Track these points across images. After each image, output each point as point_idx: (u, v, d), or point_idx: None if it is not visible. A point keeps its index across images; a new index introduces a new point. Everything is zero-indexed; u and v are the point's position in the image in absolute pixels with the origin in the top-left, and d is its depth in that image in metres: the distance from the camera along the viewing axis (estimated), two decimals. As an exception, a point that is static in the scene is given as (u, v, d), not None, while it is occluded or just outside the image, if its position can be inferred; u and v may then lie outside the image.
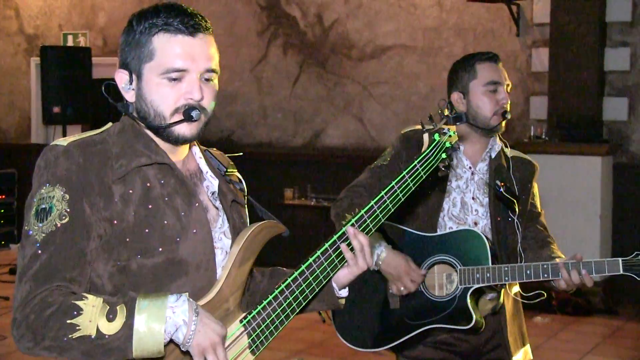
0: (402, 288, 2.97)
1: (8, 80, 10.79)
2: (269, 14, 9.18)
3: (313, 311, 2.27)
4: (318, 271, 2.09)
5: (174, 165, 1.99)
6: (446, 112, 2.34)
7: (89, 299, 1.79)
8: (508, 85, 3.08)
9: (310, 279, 2.08)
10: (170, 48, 1.91)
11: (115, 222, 1.88)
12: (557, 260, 2.87)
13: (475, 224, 3.06)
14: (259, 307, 2.03)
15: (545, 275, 2.84)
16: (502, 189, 2.99)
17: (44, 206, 1.86)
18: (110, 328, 1.76)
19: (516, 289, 3.14)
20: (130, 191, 1.91)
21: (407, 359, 3.11)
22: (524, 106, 7.96)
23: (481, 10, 8.12)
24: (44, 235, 1.84)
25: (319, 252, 2.09)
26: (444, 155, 2.27)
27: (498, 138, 3.14)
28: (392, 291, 3.01)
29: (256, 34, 9.24)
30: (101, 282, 1.91)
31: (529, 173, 3.15)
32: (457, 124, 2.37)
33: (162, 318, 1.78)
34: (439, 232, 3.04)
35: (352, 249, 2.12)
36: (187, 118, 1.92)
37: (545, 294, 3.04)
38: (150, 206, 1.92)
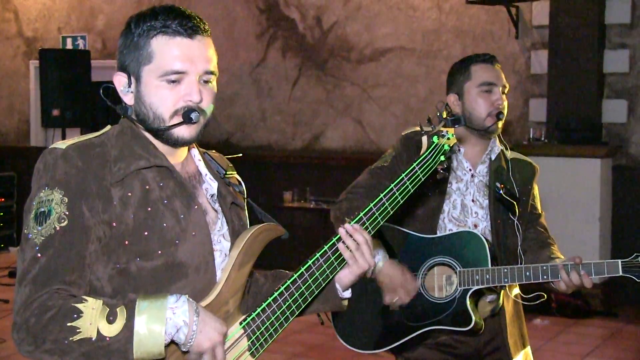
0: (395, 299, 2.96)
1: (7, 83, 10.79)
2: (268, 17, 9.19)
3: (316, 312, 2.27)
4: (317, 274, 2.09)
5: (173, 168, 1.99)
6: (444, 115, 2.35)
7: (89, 301, 1.79)
8: (504, 86, 3.07)
9: (310, 281, 2.08)
10: (168, 50, 1.91)
11: (115, 224, 1.88)
12: (557, 261, 2.87)
13: (475, 226, 3.06)
14: (258, 310, 2.04)
15: (545, 277, 2.84)
16: (502, 191, 2.99)
17: (43, 209, 1.86)
18: (111, 330, 1.76)
19: (516, 291, 3.14)
20: (129, 194, 1.91)
21: (407, 361, 3.11)
22: (523, 108, 7.96)
23: (480, 12, 8.12)
24: (43, 238, 1.85)
25: (317, 255, 2.10)
26: (442, 158, 2.28)
27: (498, 140, 3.14)
28: (385, 300, 3.00)
29: (255, 37, 9.25)
30: (100, 284, 1.91)
31: (529, 175, 3.16)
32: (455, 126, 2.37)
33: (162, 319, 1.78)
34: (438, 234, 3.04)
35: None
36: (187, 120, 1.92)
37: (545, 296, 3.04)
38: (149, 209, 1.92)
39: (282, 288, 2.06)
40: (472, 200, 3.09)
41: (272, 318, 2.04)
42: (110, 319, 1.77)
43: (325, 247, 2.10)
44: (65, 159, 1.89)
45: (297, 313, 2.09)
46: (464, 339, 3.05)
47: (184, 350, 1.85)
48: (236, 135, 9.38)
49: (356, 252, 2.12)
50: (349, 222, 2.13)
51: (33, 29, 10.58)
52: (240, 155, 2.31)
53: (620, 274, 2.79)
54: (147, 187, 1.94)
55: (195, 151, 2.12)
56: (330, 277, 2.12)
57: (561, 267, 2.81)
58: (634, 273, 2.77)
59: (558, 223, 6.41)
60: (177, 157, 2.03)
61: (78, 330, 1.76)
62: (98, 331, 1.76)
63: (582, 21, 7.38)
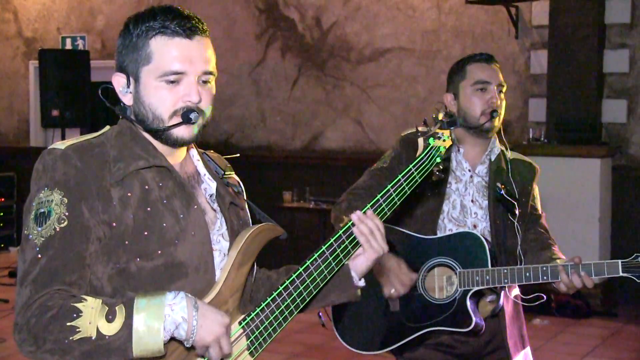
0: (392, 290, 2.97)
1: (6, 84, 10.79)
2: (267, 17, 9.18)
3: (331, 304, 2.28)
4: (315, 274, 2.10)
5: (172, 168, 1.99)
6: (440, 117, 2.36)
7: (88, 300, 1.80)
8: (500, 85, 3.06)
9: (308, 281, 2.09)
10: (167, 51, 1.92)
11: (114, 225, 1.89)
12: (557, 262, 2.87)
13: (475, 226, 3.06)
14: (258, 309, 2.04)
15: (545, 278, 2.84)
16: (502, 192, 2.99)
17: (42, 210, 1.87)
18: (110, 329, 1.77)
19: (516, 291, 3.14)
20: (129, 194, 1.91)
21: (407, 361, 3.11)
22: (522, 108, 7.96)
23: (480, 12, 8.12)
24: (43, 239, 1.85)
25: (316, 255, 2.10)
26: (438, 160, 2.30)
27: (498, 140, 3.14)
28: (384, 293, 3.01)
29: (254, 37, 9.25)
30: (100, 284, 1.91)
31: (529, 175, 3.15)
32: (451, 128, 2.38)
33: (160, 316, 1.79)
34: (438, 235, 3.04)
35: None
36: (186, 120, 1.93)
37: (545, 297, 3.04)
38: (148, 209, 1.92)
39: (281, 288, 2.07)
40: (472, 201, 3.09)
41: (271, 317, 2.05)
42: (110, 317, 1.78)
43: (323, 248, 2.11)
44: (65, 160, 1.89)
45: (295, 313, 2.09)
46: (464, 339, 3.05)
47: (188, 345, 1.85)
48: (236, 135, 9.38)
49: (370, 236, 2.13)
50: (348, 223, 2.14)
51: (32, 29, 10.58)
52: (238, 155, 2.32)
53: (620, 274, 2.79)
54: (147, 187, 1.94)
55: (194, 151, 2.12)
56: (329, 277, 2.12)
57: (561, 268, 2.81)
58: (634, 273, 2.77)
59: (557, 223, 6.41)
60: (176, 157, 2.03)
61: (78, 330, 1.76)
62: (98, 330, 1.77)
63: (582, 21, 7.38)
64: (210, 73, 1.97)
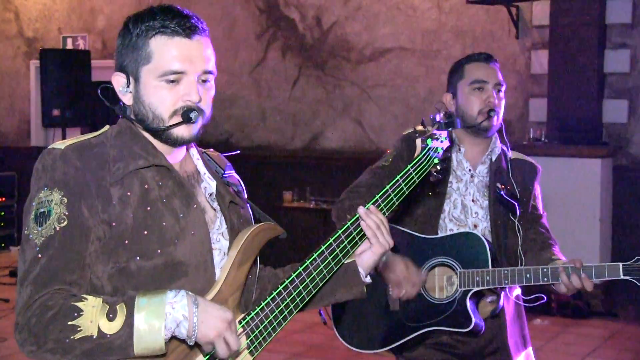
0: (402, 292, 2.96)
1: (7, 83, 10.79)
2: (267, 17, 9.18)
3: (337, 302, 2.27)
4: (314, 273, 2.10)
5: (172, 167, 2.00)
6: (438, 118, 2.37)
7: (89, 299, 1.81)
8: (499, 84, 3.06)
9: (307, 280, 2.09)
10: (167, 50, 1.92)
11: (114, 224, 1.89)
12: (558, 262, 2.86)
13: (475, 226, 3.06)
14: (257, 309, 2.04)
15: (545, 279, 2.84)
16: (502, 192, 2.99)
17: (42, 210, 1.87)
18: (111, 327, 1.77)
19: (517, 292, 3.13)
20: (129, 193, 1.91)
21: (407, 361, 3.11)
22: (523, 108, 7.95)
23: (480, 12, 8.12)
24: (43, 239, 1.85)
25: (315, 255, 2.11)
26: (436, 161, 2.31)
27: (499, 140, 3.14)
28: (391, 294, 3.01)
29: (255, 37, 9.25)
30: (100, 283, 1.91)
31: (530, 175, 3.15)
32: (449, 129, 2.39)
33: (161, 314, 1.79)
34: (439, 234, 3.04)
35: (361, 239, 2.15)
36: (186, 120, 1.93)
37: (545, 297, 3.03)
38: (148, 208, 1.92)
39: (281, 287, 2.07)
40: (472, 200, 3.09)
41: (271, 317, 2.05)
42: (111, 316, 1.78)
43: (323, 248, 2.11)
44: (64, 159, 1.89)
45: (295, 312, 2.09)
46: (464, 339, 3.04)
47: (191, 344, 1.85)
48: (236, 135, 9.38)
49: (377, 230, 2.13)
50: (347, 224, 2.14)
51: (33, 29, 10.58)
52: (238, 152, 2.32)
53: (621, 277, 2.78)
54: (146, 186, 1.94)
55: (193, 150, 2.12)
56: (328, 277, 2.12)
57: (562, 270, 2.80)
58: (634, 276, 2.77)
59: (558, 223, 6.40)
60: (175, 157, 2.04)
61: (79, 329, 1.77)
62: (99, 329, 1.77)
63: (583, 21, 7.37)
64: (210, 72, 1.97)
